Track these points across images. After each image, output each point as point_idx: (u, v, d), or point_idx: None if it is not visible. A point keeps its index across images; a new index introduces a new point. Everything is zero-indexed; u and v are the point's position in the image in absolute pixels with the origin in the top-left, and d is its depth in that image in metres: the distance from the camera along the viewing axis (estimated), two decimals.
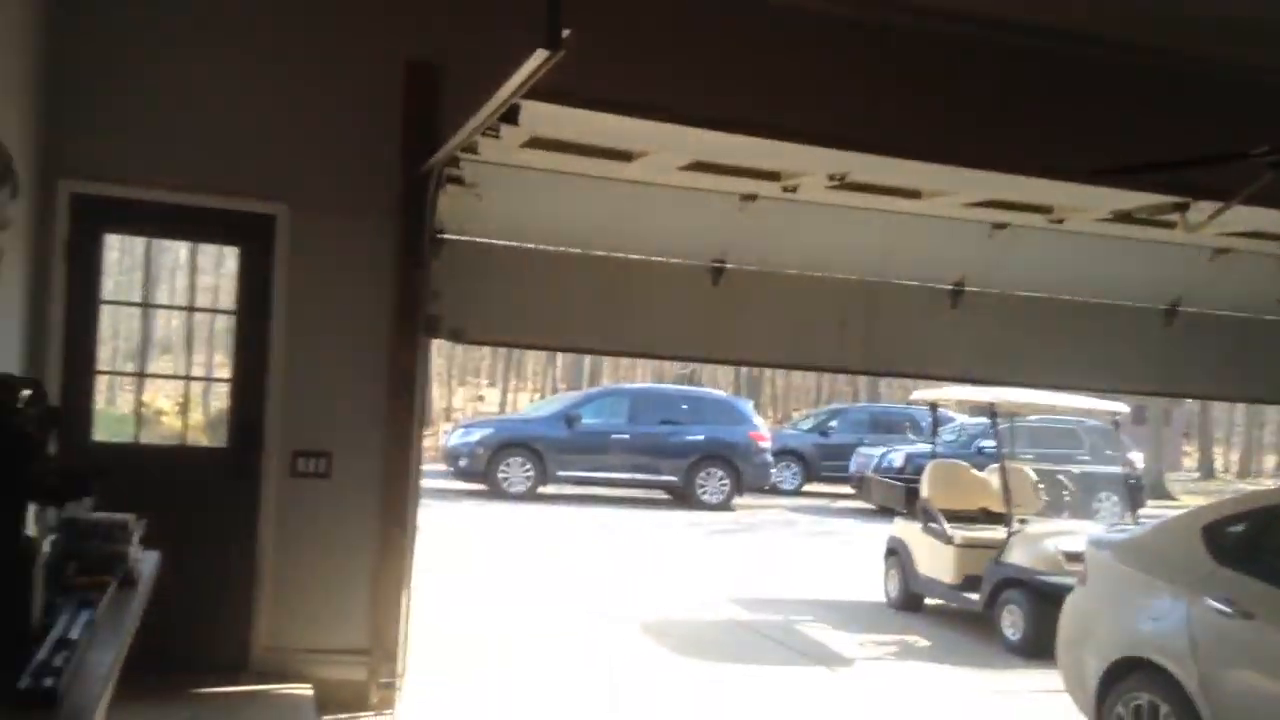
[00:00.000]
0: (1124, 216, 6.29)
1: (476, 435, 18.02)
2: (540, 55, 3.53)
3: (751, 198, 6.39)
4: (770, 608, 10.29)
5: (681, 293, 6.52)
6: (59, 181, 5.45)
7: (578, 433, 17.91)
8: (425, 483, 18.33)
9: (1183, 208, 5.86)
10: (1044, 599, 8.20)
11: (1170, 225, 6.18)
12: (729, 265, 6.61)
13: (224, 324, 5.96)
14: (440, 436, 20.45)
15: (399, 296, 5.87)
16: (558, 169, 5.97)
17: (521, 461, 17.62)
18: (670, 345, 6.93)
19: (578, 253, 6.36)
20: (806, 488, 21.20)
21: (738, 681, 7.67)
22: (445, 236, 6.01)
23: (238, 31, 5.75)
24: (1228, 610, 4.87)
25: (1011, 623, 9.07)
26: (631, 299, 6.44)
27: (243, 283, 5.80)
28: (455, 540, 12.53)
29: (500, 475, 17.51)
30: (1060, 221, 6.57)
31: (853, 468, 19.68)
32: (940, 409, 13.39)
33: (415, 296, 5.86)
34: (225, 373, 5.91)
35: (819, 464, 21.25)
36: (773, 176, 5.87)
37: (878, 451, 19.26)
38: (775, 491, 20.09)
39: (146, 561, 3.77)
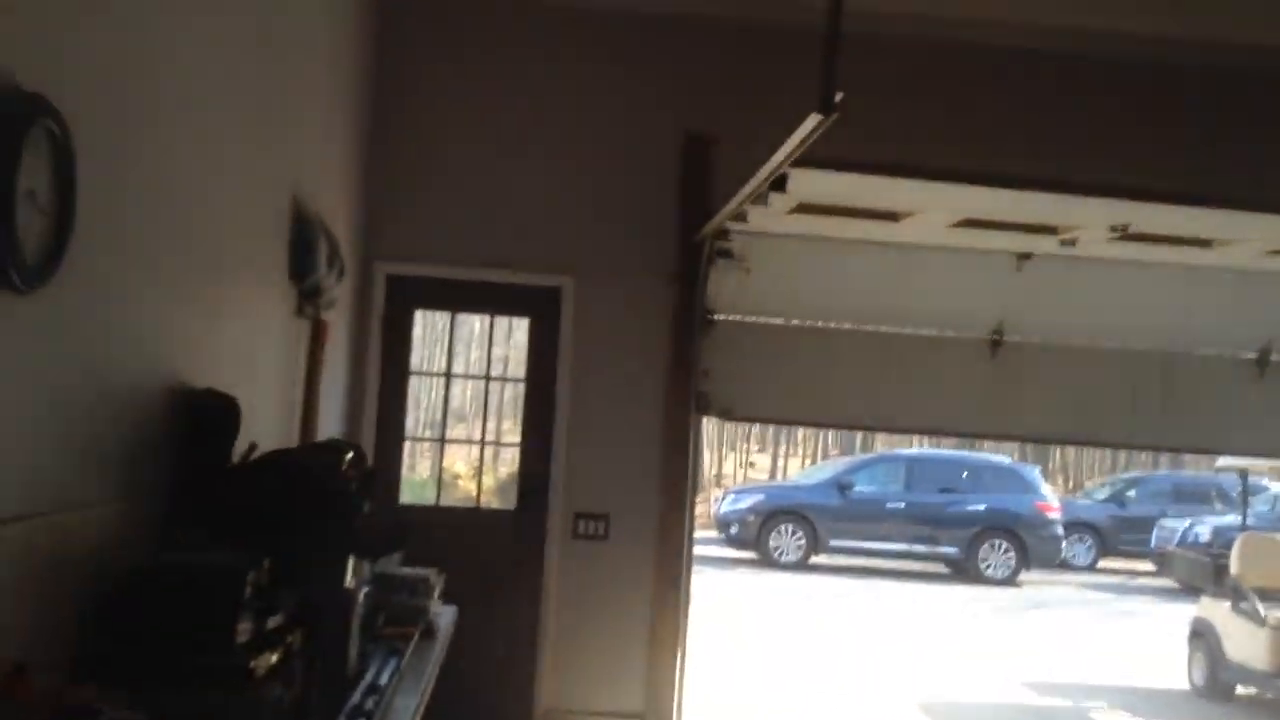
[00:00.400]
0: None
1: (747, 502, 18.06)
2: (814, 119, 3.61)
3: (1027, 256, 6.20)
4: (1061, 692, 9.69)
5: (957, 366, 6.32)
6: (375, 264, 6.07)
7: (850, 501, 17.60)
8: (697, 549, 18.53)
9: None
10: None
11: None
12: (1007, 338, 6.36)
13: (515, 391, 6.37)
14: (711, 503, 20.65)
15: (674, 364, 6.09)
16: (823, 235, 6.03)
17: (793, 529, 17.50)
18: (945, 422, 6.65)
19: (846, 328, 6.32)
20: (1101, 563, 19.81)
21: None
22: (715, 317, 6.16)
23: (530, 118, 6.23)
24: None
25: None
26: (904, 374, 6.30)
27: (532, 351, 6.21)
28: (727, 609, 12.59)
29: (771, 544, 17.46)
30: None
31: (1154, 542, 18.24)
32: (1252, 476, 12.26)
33: (689, 364, 6.06)
34: (514, 438, 6.29)
35: (1115, 537, 19.80)
36: (1049, 230, 5.67)
37: (1182, 524, 17.77)
38: (1066, 567, 18.87)
39: (445, 615, 4.08)
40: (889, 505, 17.60)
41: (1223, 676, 9.58)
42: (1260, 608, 9.13)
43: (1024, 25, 5.99)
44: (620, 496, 6.13)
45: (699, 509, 22.27)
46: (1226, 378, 6.44)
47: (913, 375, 6.29)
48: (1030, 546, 17.38)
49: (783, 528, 17.51)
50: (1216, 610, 9.76)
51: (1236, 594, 9.45)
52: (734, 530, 17.75)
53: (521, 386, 6.28)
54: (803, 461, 34.44)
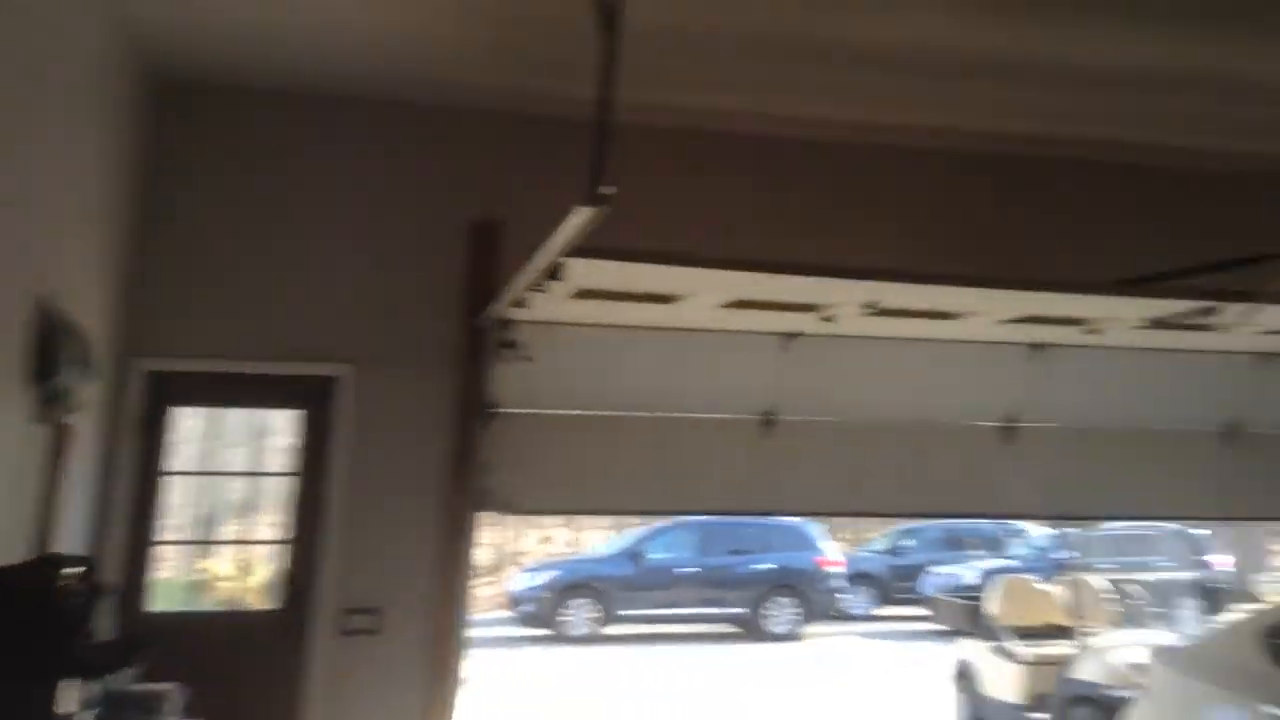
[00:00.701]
0: (1159, 323, 6.28)
1: (541, 578, 17.97)
2: (583, 213, 3.74)
3: (794, 336, 6.52)
4: None
5: (732, 446, 6.51)
6: (134, 360, 5.79)
7: (643, 569, 17.79)
8: (489, 630, 18.30)
9: (1211, 311, 5.89)
10: (1113, 714, 7.94)
11: (1207, 329, 6.21)
12: (779, 417, 6.61)
13: (285, 486, 6.17)
14: (506, 582, 20.43)
15: (455, 454, 6.06)
16: (605, 322, 6.20)
17: (585, 602, 17.51)
18: (724, 502, 6.78)
19: (626, 415, 6.41)
20: (883, 611, 20.69)
21: None
22: (498, 409, 6.16)
23: (306, 206, 6.15)
24: None
25: None
26: (682, 458, 6.45)
27: (304, 444, 6.04)
28: (509, 689, 12.44)
29: (561, 619, 17.40)
30: (1098, 332, 6.52)
31: (925, 588, 19.25)
32: (1014, 523, 13.19)
33: (469, 455, 6.03)
34: (283, 534, 6.08)
35: (892, 586, 20.78)
36: (809, 309, 6.01)
37: (948, 570, 18.82)
38: (847, 618, 19.65)
39: None
40: (680, 571, 17.89)
41: (983, 714, 10.16)
42: (1012, 646, 9.79)
43: (785, 119, 6.42)
44: (394, 590, 6.01)
45: (494, 590, 21.98)
46: (977, 445, 6.90)
47: (690, 458, 6.45)
48: (812, 600, 18.03)
49: (574, 601, 17.50)
50: (976, 651, 10.38)
51: (992, 634, 10.09)
52: (527, 608, 17.60)
53: (292, 481, 6.07)
54: (607, 533, 34.47)
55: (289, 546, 6.01)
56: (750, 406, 6.57)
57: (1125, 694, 7.94)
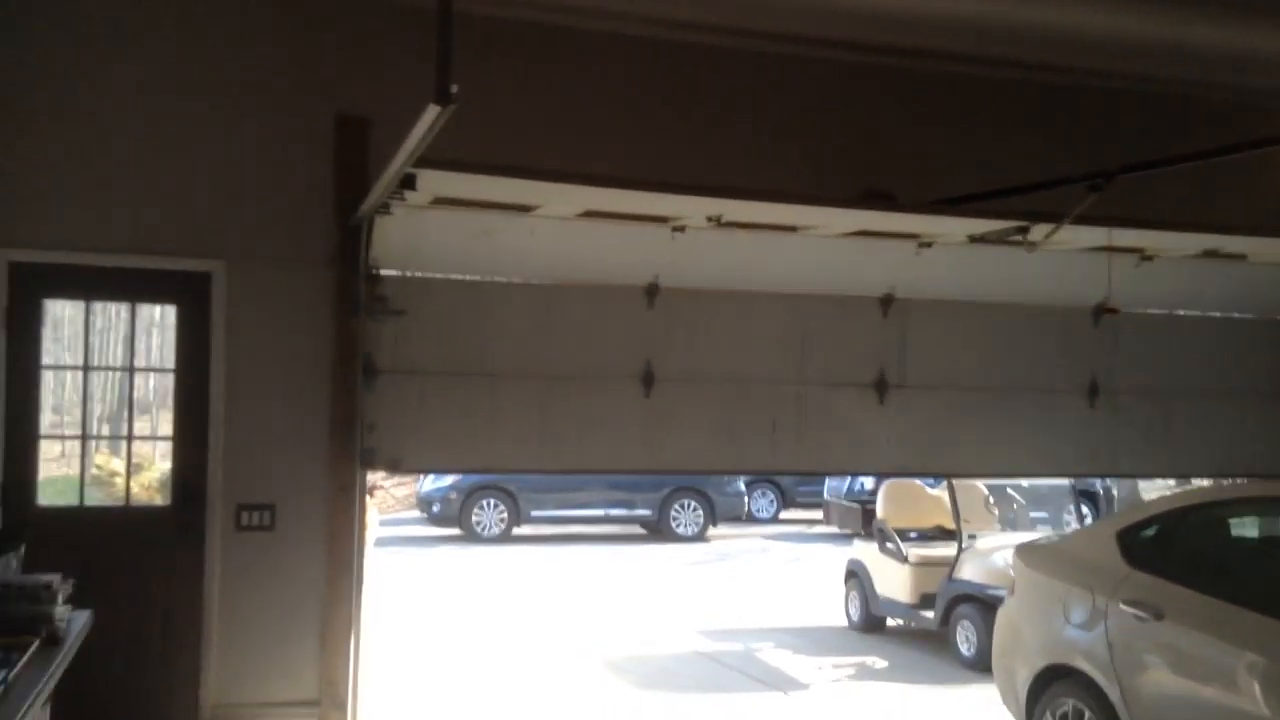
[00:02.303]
0: (979, 239, 6.40)
1: (448, 479, 18.10)
2: (433, 111, 3.73)
3: (655, 291, 6.50)
4: (733, 637, 10.42)
5: (612, 406, 6.47)
6: None
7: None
8: (400, 530, 18.44)
9: (1024, 230, 6.10)
10: (993, 613, 8.34)
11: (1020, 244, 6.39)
12: (657, 375, 6.54)
13: (167, 382, 6.11)
14: (415, 482, 20.54)
15: (337, 344, 6.01)
16: (478, 279, 6.23)
17: (495, 504, 17.71)
18: (606, 460, 6.73)
19: (507, 372, 6.30)
20: (785, 515, 21.32)
21: (695, 712, 7.80)
22: (375, 370, 6.07)
23: (169, 92, 5.93)
24: (1141, 613, 5.03)
25: (965, 638, 9.23)
26: (564, 417, 6.40)
27: (181, 340, 5.95)
28: (422, 587, 12.63)
29: (474, 519, 17.61)
30: (929, 245, 6.59)
31: (825, 493, 19.83)
32: None
33: (353, 343, 6.00)
34: (168, 430, 6.04)
35: (794, 491, 21.37)
36: (661, 220, 6.06)
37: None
38: (752, 520, 20.22)
39: (75, 621, 3.91)
40: (589, 474, 18.15)
41: (874, 611, 10.64)
42: (902, 547, 10.21)
43: (642, 14, 6.33)
44: (286, 483, 6.00)
45: (404, 489, 21.98)
46: (851, 405, 6.94)
47: (573, 417, 6.41)
48: (716, 504, 18.48)
49: (485, 502, 17.69)
50: (867, 552, 10.80)
51: (882, 536, 10.50)
52: (436, 509, 17.75)
53: (175, 377, 6.02)
54: None
55: (174, 443, 5.97)
56: (626, 365, 6.50)
57: (1004, 593, 8.34)
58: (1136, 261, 6.95)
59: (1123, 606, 5.13)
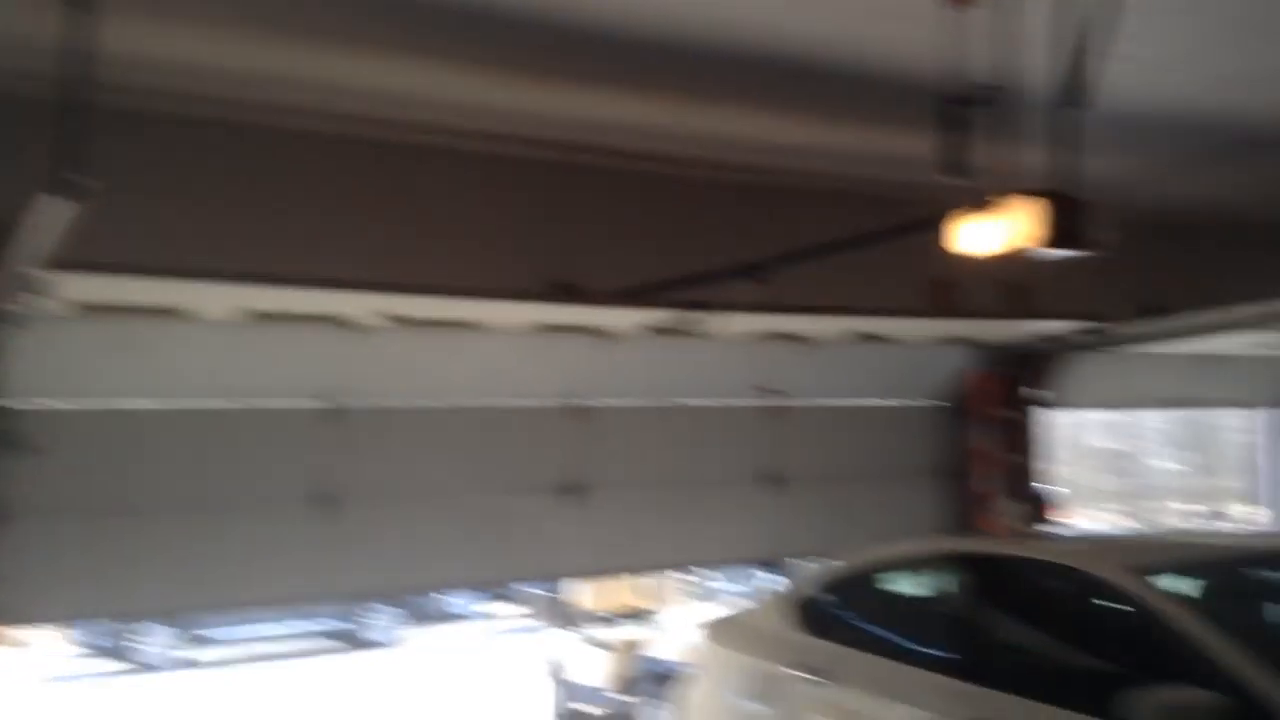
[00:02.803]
0: (661, 330, 6.61)
1: None
2: (54, 203, 3.33)
3: (338, 414, 6.21)
4: None
5: (289, 533, 6.04)
6: None
7: None
8: (48, 667, 16.19)
9: (695, 321, 6.38)
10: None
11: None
12: (338, 498, 6.18)
13: None
14: None
15: None
16: (128, 406, 5.74)
17: (156, 625, 16.02)
18: (282, 593, 6.39)
19: (161, 506, 5.77)
20: (483, 608, 20.70)
21: None
22: (9, 515, 5.35)
23: None
24: (813, 678, 5.15)
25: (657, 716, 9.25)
26: (231, 548, 5.93)
27: None
28: None
29: (130, 645, 15.91)
30: (615, 341, 6.74)
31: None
32: None
33: None
34: None
35: None
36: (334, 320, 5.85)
37: None
38: (448, 617, 19.52)
39: None
40: None
41: (576, 700, 10.49)
42: (596, 632, 10.16)
43: (314, 109, 6.08)
44: None
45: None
46: (546, 511, 6.83)
47: (239, 549, 5.95)
48: (410, 602, 17.73)
49: (145, 624, 16.03)
50: (567, 640, 10.68)
51: (577, 623, 10.43)
52: (89, 638, 15.92)
53: None
54: None
55: None
56: (300, 489, 6.07)
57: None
58: (804, 350, 7.34)
59: (794, 672, 5.24)
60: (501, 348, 6.49)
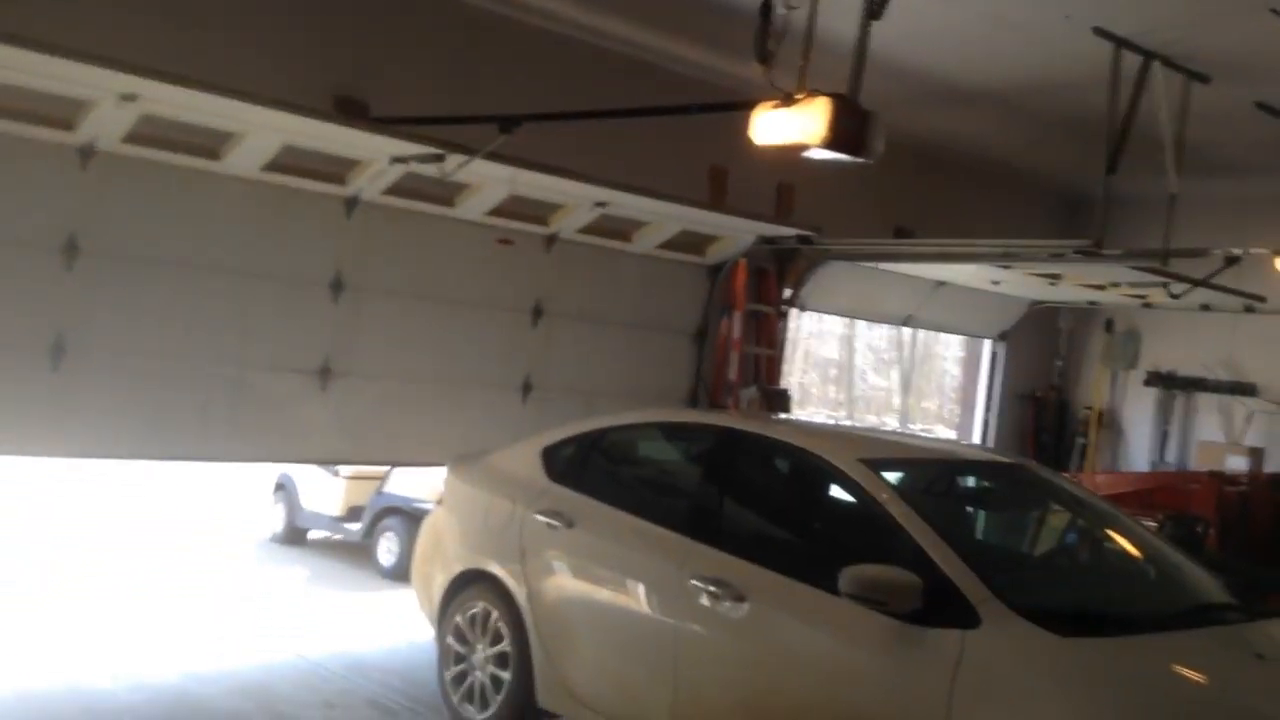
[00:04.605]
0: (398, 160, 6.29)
1: None
2: None
3: (73, 249, 5.71)
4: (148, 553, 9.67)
5: (14, 386, 5.59)
6: None
7: None
8: None
9: (440, 159, 6.16)
10: (417, 524, 8.53)
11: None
12: (68, 349, 5.70)
13: None
14: None
15: None
16: None
17: None
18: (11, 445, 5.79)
19: None
20: None
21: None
22: None
23: None
24: (554, 522, 5.37)
25: (387, 549, 9.43)
26: None
27: None
28: None
29: None
30: (345, 182, 6.51)
31: None
32: None
33: None
34: None
35: None
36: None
37: None
38: None
39: None
40: None
41: (298, 524, 10.45)
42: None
43: None
44: None
45: None
46: (292, 391, 6.59)
47: None
48: None
49: None
50: (298, 466, 10.51)
51: None
52: None
53: None
54: None
55: None
56: (28, 337, 5.62)
57: (430, 506, 8.55)
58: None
59: (538, 516, 5.44)
60: (248, 202, 6.14)
